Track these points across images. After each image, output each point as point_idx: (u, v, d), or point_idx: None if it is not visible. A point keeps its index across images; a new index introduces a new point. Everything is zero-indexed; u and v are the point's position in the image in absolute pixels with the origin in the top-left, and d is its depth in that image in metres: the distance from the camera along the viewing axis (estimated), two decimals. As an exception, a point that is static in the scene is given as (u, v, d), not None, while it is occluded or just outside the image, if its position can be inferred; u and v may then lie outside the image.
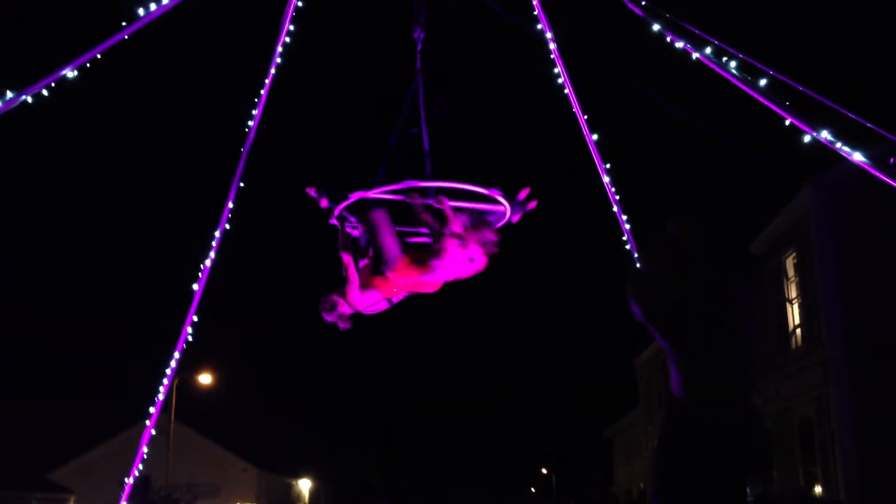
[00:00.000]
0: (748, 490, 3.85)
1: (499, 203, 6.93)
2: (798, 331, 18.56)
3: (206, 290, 9.31)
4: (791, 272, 18.93)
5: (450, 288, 7.18)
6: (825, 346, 16.72)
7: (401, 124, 7.14)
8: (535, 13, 8.58)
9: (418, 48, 7.55)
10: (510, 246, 7.23)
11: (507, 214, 7.08)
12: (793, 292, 18.89)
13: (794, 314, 18.87)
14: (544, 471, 67.71)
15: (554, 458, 65.62)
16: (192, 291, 9.29)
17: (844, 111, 6.33)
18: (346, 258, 7.00)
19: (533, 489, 71.61)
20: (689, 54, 6.83)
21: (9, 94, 5.81)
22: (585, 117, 9.03)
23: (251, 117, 8.72)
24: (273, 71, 8.54)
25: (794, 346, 18.77)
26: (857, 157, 6.25)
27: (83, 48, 6.22)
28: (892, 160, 6.25)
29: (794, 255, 18.61)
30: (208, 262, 9.21)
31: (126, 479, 9.78)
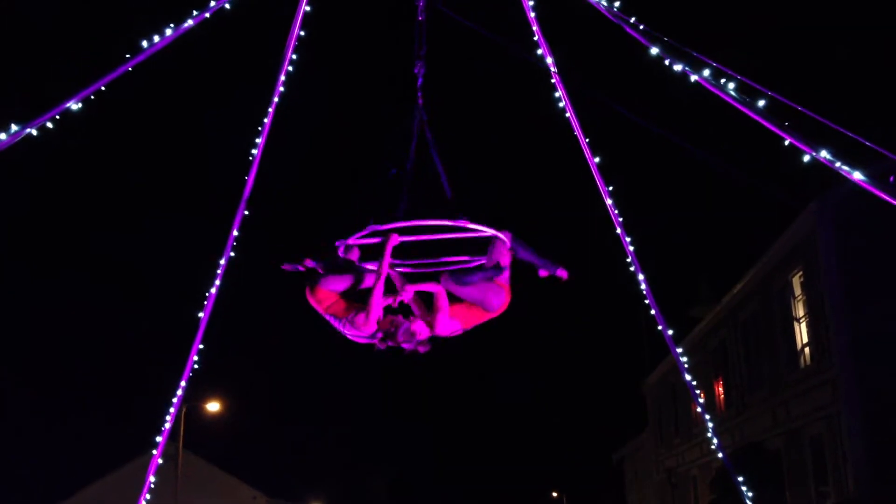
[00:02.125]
0: None
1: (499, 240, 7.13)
2: (806, 349, 18.47)
3: (212, 317, 9.34)
4: (798, 290, 18.88)
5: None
6: (834, 363, 16.63)
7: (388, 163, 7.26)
8: (536, 39, 8.66)
9: (419, 83, 7.62)
10: (516, 271, 7.31)
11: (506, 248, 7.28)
12: (800, 311, 18.81)
13: (801, 333, 18.79)
14: (555, 494, 67.21)
15: (564, 480, 65.18)
16: (198, 319, 9.33)
17: (843, 130, 6.36)
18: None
19: (544, 512, 71.02)
20: (688, 77, 6.88)
21: (13, 128, 5.88)
22: (587, 140, 9.09)
23: (255, 146, 8.80)
24: (276, 100, 8.62)
25: (802, 364, 18.67)
26: (857, 175, 6.28)
27: (88, 80, 6.29)
28: (891, 178, 6.27)
29: (800, 273, 18.56)
30: (214, 290, 9.25)
31: (133, 509, 9.76)
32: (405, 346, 6.82)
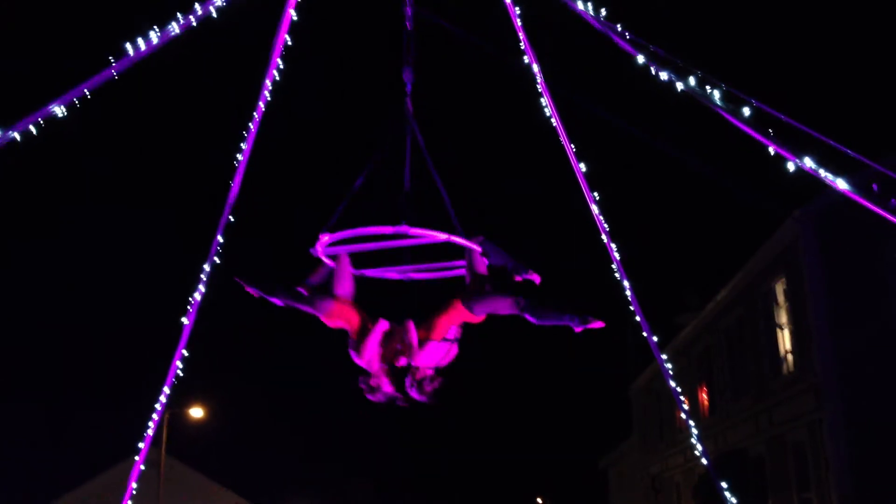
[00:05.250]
0: None
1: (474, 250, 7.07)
2: (789, 356, 18.59)
3: (197, 323, 9.29)
4: (781, 298, 19.00)
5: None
6: (817, 371, 16.74)
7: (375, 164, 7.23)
8: (522, 46, 8.68)
9: (407, 89, 7.62)
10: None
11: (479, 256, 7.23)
12: (783, 318, 18.93)
13: (784, 340, 18.90)
14: (539, 500, 67.20)
15: (549, 486, 65.19)
16: (182, 325, 9.27)
17: (826, 139, 6.41)
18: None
19: (528, 519, 71.00)
20: (674, 85, 6.92)
21: (-3, 132, 5.83)
22: (573, 148, 9.11)
23: (240, 151, 8.76)
24: (262, 105, 8.58)
25: (785, 371, 18.78)
26: (841, 184, 6.33)
27: (71, 83, 6.24)
28: (875, 187, 6.32)
29: (783, 280, 18.68)
30: (198, 296, 9.20)
31: (115, 517, 9.69)
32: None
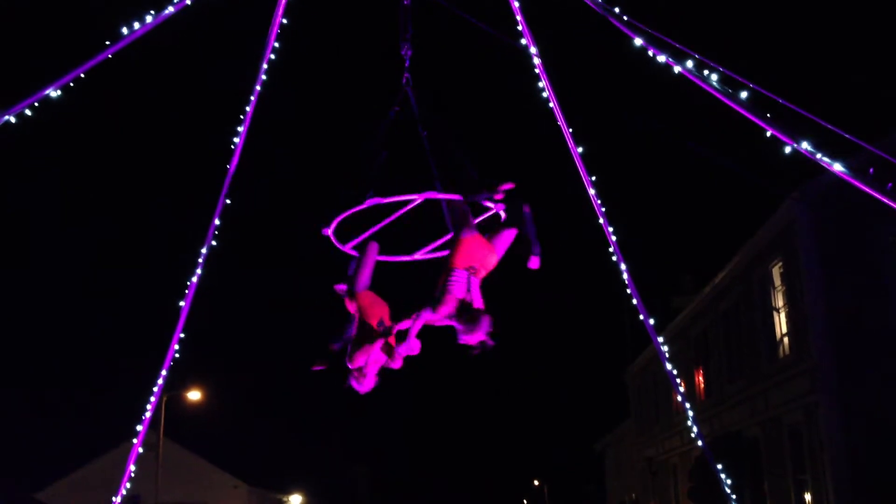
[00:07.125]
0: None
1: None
2: (785, 339, 18.64)
3: (193, 306, 9.30)
4: (777, 281, 19.03)
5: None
6: (813, 354, 16.79)
7: (379, 140, 7.22)
8: (520, 28, 8.64)
9: (406, 65, 7.63)
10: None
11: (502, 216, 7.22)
12: (779, 301, 18.97)
13: (781, 323, 18.95)
14: (536, 482, 67.62)
15: (546, 469, 65.58)
16: (179, 308, 9.29)
17: (824, 123, 6.40)
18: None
19: (525, 501, 71.50)
20: (671, 68, 6.90)
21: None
22: (570, 130, 9.09)
23: (237, 134, 8.74)
24: (258, 88, 8.56)
25: (781, 354, 18.84)
26: (837, 167, 6.33)
27: (67, 67, 6.22)
28: (871, 170, 6.32)
29: (780, 263, 18.71)
30: (195, 279, 9.20)
31: (114, 498, 9.73)
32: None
